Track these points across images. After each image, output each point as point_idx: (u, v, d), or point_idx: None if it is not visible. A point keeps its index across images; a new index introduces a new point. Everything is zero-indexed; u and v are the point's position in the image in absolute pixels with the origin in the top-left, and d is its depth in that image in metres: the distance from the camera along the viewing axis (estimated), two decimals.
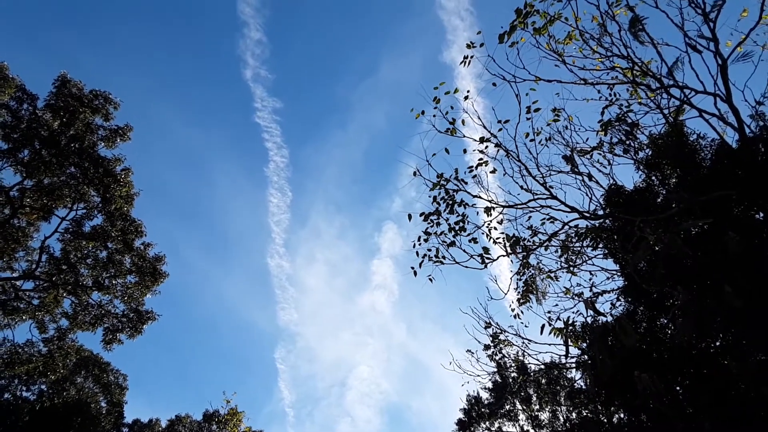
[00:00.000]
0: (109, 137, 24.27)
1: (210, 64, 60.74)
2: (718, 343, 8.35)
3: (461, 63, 10.25)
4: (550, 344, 11.58)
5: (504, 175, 10.89)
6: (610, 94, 10.45)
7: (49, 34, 50.39)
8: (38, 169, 22.56)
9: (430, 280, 10.99)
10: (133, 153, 24.29)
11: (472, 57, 10.15)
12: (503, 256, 11.28)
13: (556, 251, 11.65)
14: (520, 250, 11.45)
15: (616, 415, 10.90)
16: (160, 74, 57.74)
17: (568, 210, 10.57)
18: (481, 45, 9.89)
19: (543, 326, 9.42)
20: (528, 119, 10.49)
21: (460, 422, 19.57)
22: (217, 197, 64.68)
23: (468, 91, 10.45)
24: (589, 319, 9.76)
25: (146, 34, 55.90)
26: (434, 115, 10.66)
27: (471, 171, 11.01)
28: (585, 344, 10.01)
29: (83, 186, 23.39)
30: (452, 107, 10.67)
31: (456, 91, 10.41)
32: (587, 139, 10.81)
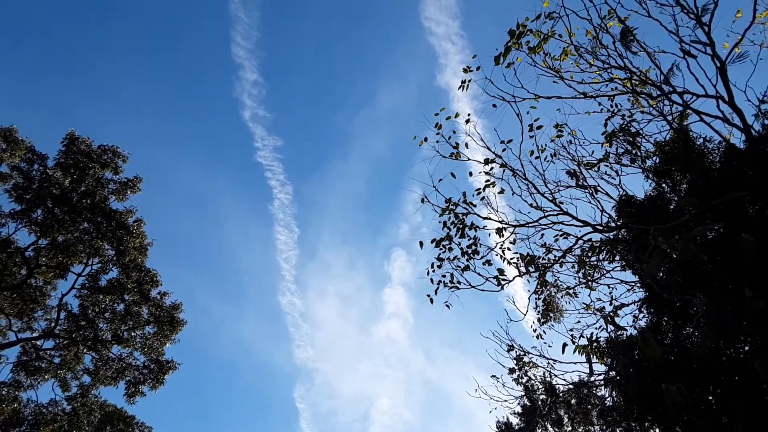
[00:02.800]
0: (119, 190, 24.56)
1: (208, 109, 61.96)
2: (747, 348, 8.13)
3: (459, 87, 10.32)
4: (575, 363, 11.36)
5: (513, 194, 10.84)
6: (612, 106, 10.44)
7: (51, 88, 51.62)
8: (52, 228, 22.82)
9: (447, 306, 10.87)
10: (142, 201, 24.61)
11: (470, 81, 10.21)
12: (519, 276, 11.15)
13: (573, 267, 11.50)
14: (535, 269, 11.32)
15: (653, 430, 10.58)
16: (161, 122, 58.94)
17: (581, 224, 10.46)
18: (478, 68, 9.95)
19: (564, 345, 9.24)
20: (531, 137, 10.49)
21: None
22: (225, 239, 65.10)
23: (468, 115, 10.49)
24: (612, 335, 9.56)
25: (145, 84, 57.21)
26: (437, 141, 10.69)
27: (479, 193, 10.97)
28: (610, 360, 9.79)
29: (97, 240, 23.59)
30: (454, 132, 10.71)
31: (457, 115, 10.45)
32: (593, 152, 10.75)
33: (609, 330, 9.48)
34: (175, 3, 56.12)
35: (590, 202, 10.59)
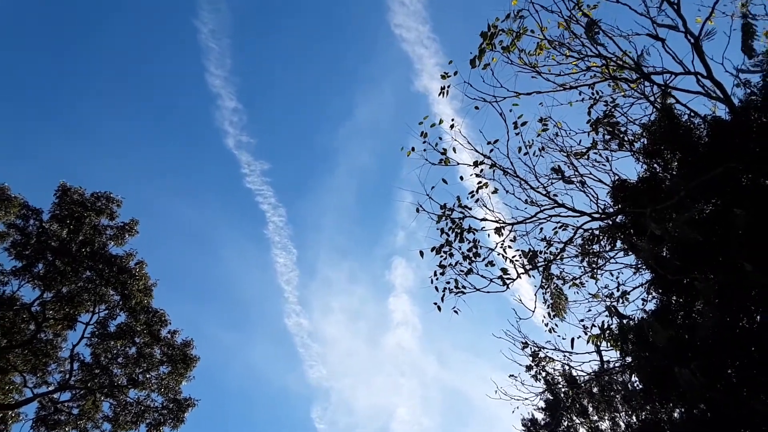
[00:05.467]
0: (117, 235, 24.59)
1: (192, 142, 62.08)
2: (758, 318, 8.08)
3: (439, 94, 10.34)
4: (591, 352, 11.30)
5: (507, 193, 10.84)
6: (593, 93, 10.45)
7: (30, 139, 51.80)
8: (55, 280, 22.82)
9: (456, 312, 10.83)
10: (138, 241, 24.59)
11: (449, 86, 10.23)
12: (524, 273, 11.11)
13: (576, 257, 11.48)
14: (541, 262, 11.29)
15: (677, 410, 10.50)
16: (146, 161, 59.04)
17: (578, 214, 10.46)
18: (455, 73, 9.98)
19: (573, 340, 9.19)
20: (517, 134, 10.49)
21: None
22: (224, 268, 65.02)
23: (453, 120, 10.51)
24: (621, 321, 9.51)
25: (125, 125, 57.38)
26: (425, 150, 10.70)
27: (472, 195, 10.97)
28: (623, 346, 9.75)
29: (101, 287, 23.57)
30: (441, 138, 10.72)
31: (441, 122, 10.47)
32: (580, 141, 10.75)
33: (612, 322, 9.44)
34: (145, 41, 56.33)
35: (582, 191, 10.57)
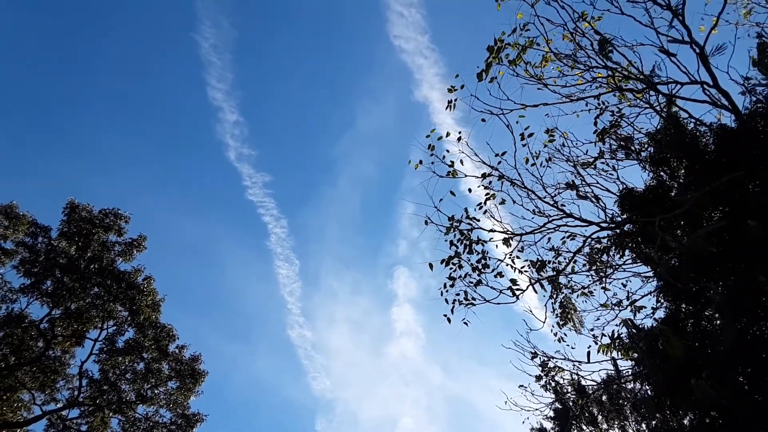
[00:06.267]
0: (125, 251, 24.74)
1: (194, 155, 62.66)
2: None
3: (447, 108, 10.44)
4: (601, 361, 11.29)
5: (514, 203, 10.89)
6: (599, 104, 10.53)
7: (34, 156, 52.19)
8: (63, 297, 22.93)
9: (465, 324, 10.85)
10: (143, 257, 24.76)
11: (456, 100, 10.34)
12: (534, 282, 11.13)
13: (585, 266, 11.50)
14: (549, 272, 11.32)
15: (688, 417, 10.47)
16: (149, 175, 59.59)
17: (586, 224, 10.49)
18: (462, 87, 10.08)
19: (588, 353, 9.20)
20: (524, 145, 10.57)
21: None
22: (227, 280, 65.17)
23: (459, 132, 10.59)
24: (632, 330, 9.52)
25: (128, 140, 57.92)
26: (432, 162, 10.77)
27: (480, 207, 11.02)
28: (636, 354, 9.74)
29: (109, 304, 23.67)
30: (448, 151, 10.78)
31: (448, 134, 10.55)
32: (587, 151, 10.82)
33: (629, 333, 9.45)
34: (147, 56, 56.95)
35: (593, 202, 10.61)
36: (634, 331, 8.93)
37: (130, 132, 58.40)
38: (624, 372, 11.10)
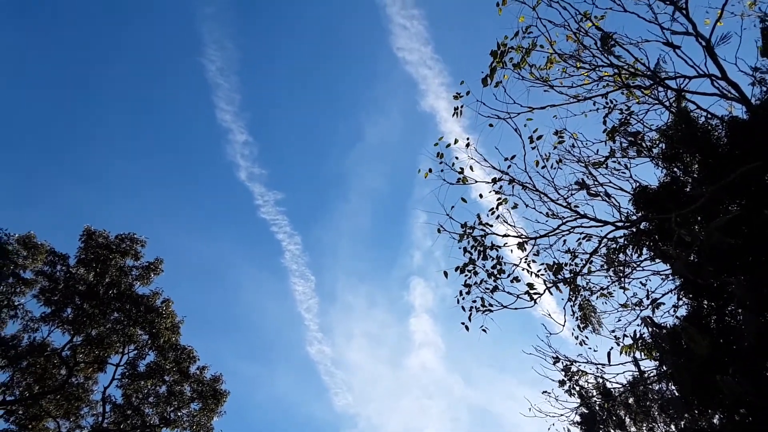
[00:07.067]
0: (143, 275, 24.92)
1: (205, 177, 63.33)
2: None
3: (453, 115, 10.43)
4: (625, 363, 11.11)
5: (527, 207, 10.81)
6: (607, 102, 10.45)
7: (49, 184, 52.95)
8: (84, 324, 23.11)
9: (484, 331, 10.75)
10: (160, 280, 25.01)
11: (462, 107, 10.33)
12: (550, 287, 11.01)
13: (602, 267, 11.36)
14: (567, 274, 11.19)
15: (717, 416, 10.25)
16: (162, 199, 60.19)
17: (601, 224, 10.38)
18: (468, 93, 10.07)
19: (609, 354, 9.06)
20: (533, 148, 10.51)
21: None
22: (244, 300, 65.36)
23: (468, 138, 10.56)
24: (651, 332, 9.36)
25: (139, 166, 58.75)
26: (442, 170, 10.74)
27: (492, 212, 10.96)
28: (659, 354, 9.57)
29: (129, 328, 23.81)
30: (457, 158, 10.76)
31: (456, 142, 10.52)
32: (597, 151, 10.72)
33: (649, 331, 9.28)
34: (155, 82, 57.76)
35: (606, 200, 10.50)
36: (655, 329, 8.77)
37: (142, 157, 59.20)
38: (648, 372, 10.92)
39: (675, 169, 10.20)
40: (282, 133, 65.32)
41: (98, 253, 23.91)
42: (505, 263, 10.94)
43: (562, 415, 13.13)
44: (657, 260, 10.61)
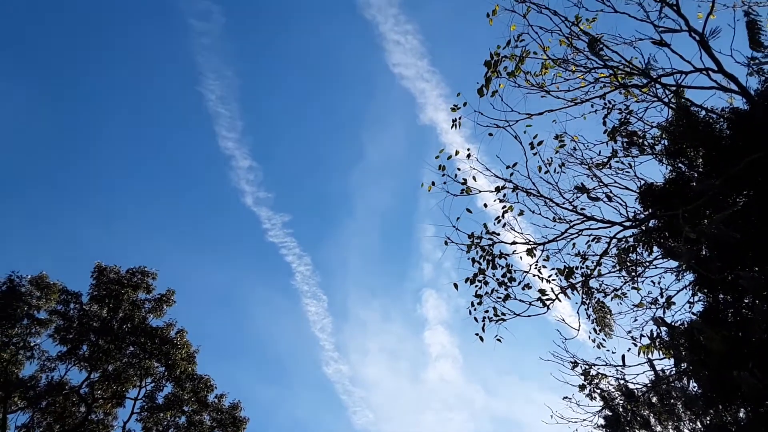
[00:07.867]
0: (155, 307, 25.03)
1: (211, 205, 63.64)
2: None
3: (452, 127, 10.44)
4: (644, 363, 10.98)
5: (533, 213, 10.77)
6: (605, 103, 10.43)
7: (59, 224, 53.39)
8: (100, 360, 23.18)
9: (498, 340, 10.66)
10: (173, 310, 25.14)
11: (460, 118, 10.34)
12: (563, 290, 10.93)
13: (614, 267, 11.27)
14: (578, 278, 11.11)
15: (742, 410, 10.09)
16: (169, 230, 60.49)
17: (609, 225, 10.32)
18: (465, 104, 10.09)
19: (623, 357, 8.96)
20: (535, 154, 10.49)
21: None
22: (257, 324, 65.19)
23: (468, 149, 10.56)
24: (667, 331, 9.26)
25: (145, 199, 59.14)
26: (444, 182, 10.72)
27: (498, 221, 10.92)
28: (676, 353, 9.45)
29: (145, 361, 23.86)
30: (459, 169, 10.75)
31: (457, 153, 10.52)
32: (600, 152, 10.69)
33: (660, 332, 9.19)
34: (156, 116, 58.32)
35: (605, 202, 10.45)
36: (666, 328, 8.67)
37: (147, 190, 59.61)
38: (669, 370, 10.78)
39: (680, 165, 10.14)
40: (285, 155, 65.73)
41: (110, 288, 24.04)
42: (515, 271, 10.87)
43: (584, 419, 12.96)
44: (668, 258, 10.52)
